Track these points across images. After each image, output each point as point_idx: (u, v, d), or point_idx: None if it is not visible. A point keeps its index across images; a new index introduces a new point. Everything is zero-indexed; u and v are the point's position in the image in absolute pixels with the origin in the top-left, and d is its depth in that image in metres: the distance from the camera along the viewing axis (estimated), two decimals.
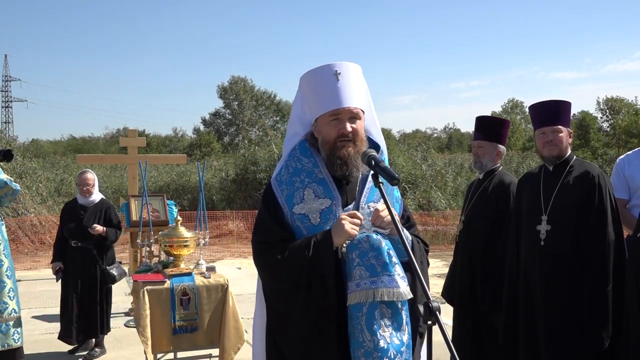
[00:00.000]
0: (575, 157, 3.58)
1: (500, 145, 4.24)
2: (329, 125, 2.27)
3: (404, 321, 2.13)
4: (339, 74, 2.26)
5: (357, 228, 2.16)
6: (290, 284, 2.16)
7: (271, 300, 2.28)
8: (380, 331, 2.07)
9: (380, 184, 2.14)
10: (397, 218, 2.03)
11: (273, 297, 2.27)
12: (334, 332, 2.13)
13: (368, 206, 2.29)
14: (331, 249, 2.14)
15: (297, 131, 2.41)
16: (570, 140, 3.57)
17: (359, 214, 2.20)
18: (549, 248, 3.42)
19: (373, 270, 2.11)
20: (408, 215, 2.49)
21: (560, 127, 3.48)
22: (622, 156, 4.33)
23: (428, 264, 2.45)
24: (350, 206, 2.29)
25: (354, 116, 2.28)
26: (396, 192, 2.44)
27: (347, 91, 2.26)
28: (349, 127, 2.25)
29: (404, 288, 2.12)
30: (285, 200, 2.28)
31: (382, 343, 2.05)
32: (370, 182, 2.31)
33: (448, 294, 4.36)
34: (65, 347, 6.14)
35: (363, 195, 2.31)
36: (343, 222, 2.15)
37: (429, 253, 2.52)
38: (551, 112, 3.51)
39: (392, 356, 2.06)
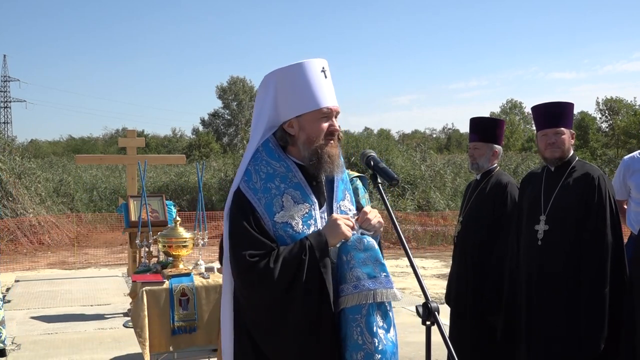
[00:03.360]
0: (577, 158, 3.59)
1: (496, 146, 4.24)
2: (318, 122, 2.20)
3: (392, 321, 2.13)
4: (325, 70, 2.23)
5: (350, 229, 2.14)
6: (286, 290, 2.08)
7: (262, 315, 2.14)
8: (379, 333, 2.05)
9: (379, 185, 2.13)
10: (394, 218, 2.02)
11: (264, 310, 2.13)
12: (329, 336, 2.10)
13: (338, 206, 2.28)
14: (327, 250, 2.11)
15: (262, 131, 2.27)
16: (572, 142, 3.58)
17: (350, 217, 2.19)
18: (546, 248, 3.43)
19: (371, 272, 2.09)
20: (360, 207, 2.47)
21: (562, 129, 3.49)
22: (627, 157, 4.36)
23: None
24: (324, 207, 2.25)
25: (336, 115, 2.26)
26: (342, 184, 2.39)
27: (332, 89, 2.25)
28: (337, 126, 2.24)
29: (395, 288, 2.12)
30: (264, 209, 2.16)
31: (380, 345, 2.04)
32: (337, 180, 2.30)
33: (449, 295, 4.37)
34: (64, 347, 6.15)
35: (334, 196, 2.29)
36: (339, 222, 2.12)
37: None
38: (553, 114, 3.51)
39: (390, 357, 2.05)
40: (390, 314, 2.13)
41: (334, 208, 2.27)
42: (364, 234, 2.17)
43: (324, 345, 2.09)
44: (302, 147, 2.22)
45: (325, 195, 2.28)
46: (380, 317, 2.08)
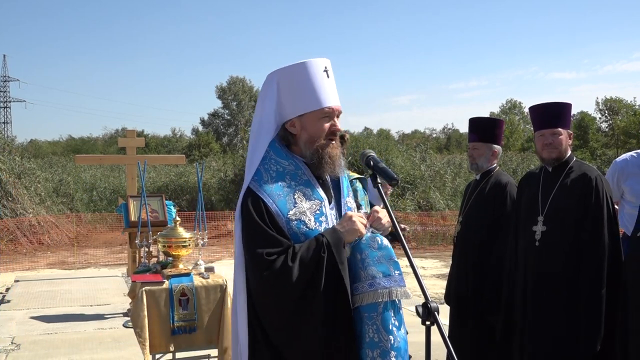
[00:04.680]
0: (575, 158, 3.58)
1: (495, 145, 4.24)
2: (319, 122, 2.22)
3: (402, 319, 2.15)
4: (327, 70, 2.24)
5: (364, 226, 2.16)
6: (305, 288, 2.08)
7: (278, 313, 2.14)
8: (394, 330, 2.08)
9: (379, 184, 2.13)
10: (394, 218, 2.03)
11: (281, 308, 2.12)
12: (346, 333, 2.11)
13: (345, 202, 2.31)
14: (343, 247, 2.12)
15: (270, 128, 2.27)
16: (570, 142, 3.57)
17: (363, 216, 2.20)
18: (543, 249, 3.43)
19: (386, 270, 2.11)
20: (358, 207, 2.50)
21: (559, 129, 3.49)
22: (619, 159, 4.33)
23: None
24: (332, 204, 2.27)
25: (338, 115, 2.27)
26: (346, 181, 2.42)
27: (334, 89, 2.26)
28: (339, 126, 2.25)
29: (406, 286, 2.14)
30: (278, 207, 2.17)
31: (395, 342, 2.07)
32: (342, 177, 2.33)
33: (448, 295, 4.38)
34: (64, 347, 6.14)
35: (341, 192, 2.31)
36: (354, 219, 2.14)
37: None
38: (550, 115, 3.51)
39: (403, 354, 2.08)
40: (401, 311, 2.15)
41: (342, 204, 2.29)
42: (374, 233, 2.19)
43: (340, 343, 2.10)
44: (303, 147, 2.24)
45: (332, 192, 2.30)
46: (393, 315, 2.10)
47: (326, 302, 2.07)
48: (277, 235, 2.12)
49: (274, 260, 2.08)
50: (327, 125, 2.22)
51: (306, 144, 2.23)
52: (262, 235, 2.12)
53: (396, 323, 2.10)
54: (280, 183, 2.20)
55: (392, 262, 2.12)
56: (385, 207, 2.11)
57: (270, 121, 2.26)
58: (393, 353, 2.05)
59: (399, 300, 2.14)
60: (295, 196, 2.19)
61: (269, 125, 2.26)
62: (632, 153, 4.29)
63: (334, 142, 2.23)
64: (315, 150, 2.21)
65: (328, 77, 2.23)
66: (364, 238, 2.15)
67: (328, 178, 2.30)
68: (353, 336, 2.12)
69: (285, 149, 2.26)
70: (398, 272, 2.12)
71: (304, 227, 2.17)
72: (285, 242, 2.12)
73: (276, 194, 2.17)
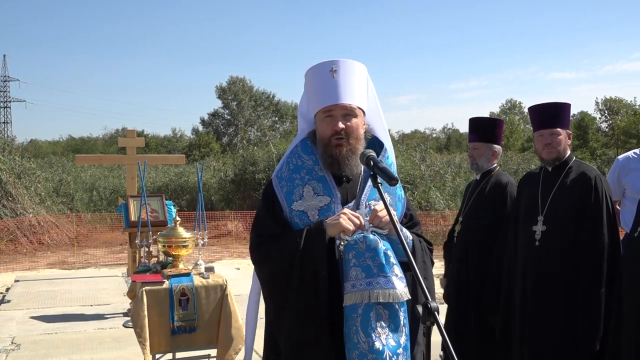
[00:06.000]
0: (574, 158, 3.59)
1: (496, 145, 4.24)
2: (323, 122, 2.28)
3: (402, 322, 2.12)
4: (335, 70, 2.27)
5: (352, 224, 2.15)
6: (283, 273, 2.18)
7: (268, 294, 2.31)
8: (375, 333, 2.05)
9: (379, 184, 2.14)
10: (395, 218, 2.02)
11: (269, 289, 2.30)
12: (326, 328, 2.11)
13: (368, 205, 2.28)
14: (323, 236, 2.14)
15: (303, 127, 2.43)
16: (569, 142, 3.58)
17: (361, 216, 2.20)
18: (543, 248, 3.43)
19: (369, 271, 2.10)
20: (411, 214, 2.47)
21: (558, 129, 3.49)
22: (621, 156, 4.33)
23: (432, 263, 2.43)
24: (351, 204, 2.28)
25: (348, 113, 2.26)
26: (399, 190, 2.41)
27: (341, 88, 2.25)
28: (341, 124, 2.24)
29: (400, 289, 2.10)
30: (284, 197, 2.29)
31: (377, 345, 2.04)
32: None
33: (447, 294, 4.37)
34: (64, 347, 6.14)
35: (364, 194, 2.30)
36: (341, 215, 2.17)
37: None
38: (549, 115, 3.52)
39: (388, 358, 2.05)
40: (401, 314, 2.12)
41: (361, 205, 2.29)
42: (375, 233, 2.18)
43: (320, 335, 2.11)
44: (318, 146, 2.33)
45: (357, 191, 2.31)
46: (383, 318, 2.09)
47: (303, 288, 2.13)
48: (273, 222, 2.26)
49: (261, 242, 2.26)
50: (329, 124, 2.26)
51: (318, 144, 2.32)
52: (262, 220, 2.32)
53: (390, 325, 2.09)
54: (294, 175, 2.31)
55: (378, 264, 2.10)
56: (385, 206, 2.10)
57: (302, 120, 2.43)
58: (371, 356, 2.03)
59: (401, 303, 2.12)
60: (304, 189, 2.27)
61: (302, 123, 2.43)
62: (635, 151, 4.31)
63: (339, 142, 2.24)
64: (322, 150, 2.29)
65: (333, 77, 2.26)
66: (353, 238, 2.14)
67: (360, 178, 2.33)
68: (335, 333, 2.13)
69: (313, 145, 2.36)
70: (384, 274, 2.09)
71: (306, 219, 2.24)
72: (277, 228, 2.25)
73: (286, 185, 2.30)
